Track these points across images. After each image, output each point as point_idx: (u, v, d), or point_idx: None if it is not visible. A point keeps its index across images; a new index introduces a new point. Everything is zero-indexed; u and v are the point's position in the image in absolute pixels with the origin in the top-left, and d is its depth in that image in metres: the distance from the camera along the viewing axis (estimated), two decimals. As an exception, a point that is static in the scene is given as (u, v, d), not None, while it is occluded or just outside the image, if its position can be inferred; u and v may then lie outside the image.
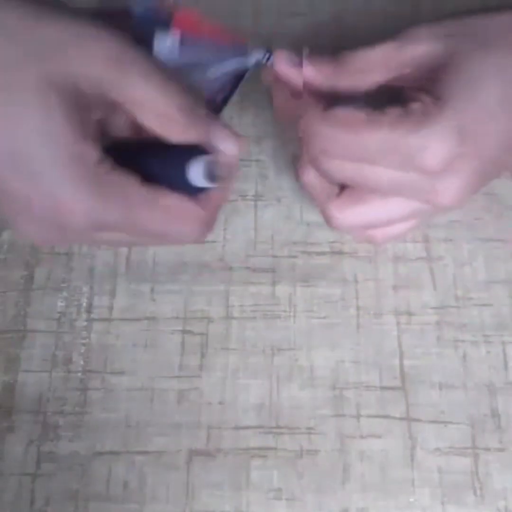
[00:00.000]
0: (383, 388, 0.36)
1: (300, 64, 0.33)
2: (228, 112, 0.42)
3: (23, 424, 0.36)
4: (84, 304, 0.39)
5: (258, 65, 0.32)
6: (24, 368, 0.37)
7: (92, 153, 0.28)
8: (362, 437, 0.36)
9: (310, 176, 0.35)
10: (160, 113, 0.29)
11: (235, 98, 0.42)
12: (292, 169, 0.41)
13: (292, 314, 0.38)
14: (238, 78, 0.32)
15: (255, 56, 0.31)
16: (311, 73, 0.34)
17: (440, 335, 0.37)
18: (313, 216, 0.40)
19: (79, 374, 0.37)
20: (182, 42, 0.31)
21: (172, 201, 0.30)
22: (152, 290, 0.39)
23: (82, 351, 0.38)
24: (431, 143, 0.30)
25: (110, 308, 0.38)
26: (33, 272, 0.39)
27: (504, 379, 0.36)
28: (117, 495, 0.35)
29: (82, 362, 0.37)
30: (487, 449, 0.35)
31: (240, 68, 0.32)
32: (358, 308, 0.38)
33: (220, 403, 0.36)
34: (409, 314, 0.38)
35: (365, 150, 0.31)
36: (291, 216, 0.40)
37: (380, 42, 0.33)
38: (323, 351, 0.37)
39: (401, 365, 0.37)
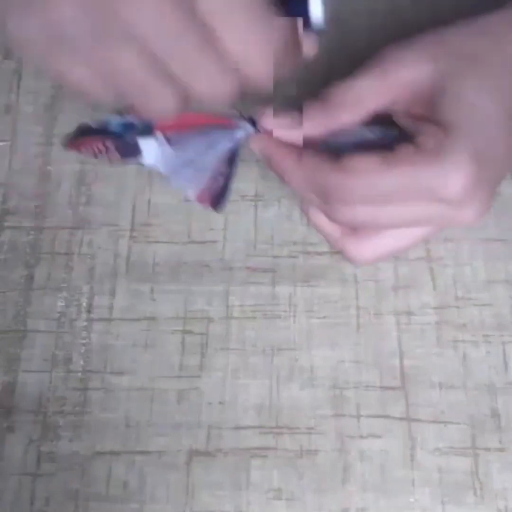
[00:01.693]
0: (383, 388, 0.36)
1: (290, 123, 0.33)
2: (228, 111, 0.42)
3: (23, 424, 0.36)
4: (84, 304, 0.39)
5: (248, 137, 0.32)
6: (24, 368, 0.37)
7: None
8: (362, 437, 0.36)
9: (322, 220, 0.35)
10: None
11: (235, 98, 0.42)
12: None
13: (292, 314, 0.38)
14: (232, 157, 0.32)
15: (243, 130, 0.31)
16: (308, 128, 0.33)
17: (440, 335, 0.37)
18: (313, 216, 0.40)
19: (79, 374, 0.37)
20: (169, 141, 0.31)
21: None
22: (152, 290, 0.39)
23: (82, 351, 0.38)
24: (451, 175, 0.30)
25: (110, 308, 0.38)
26: (33, 272, 0.39)
27: (504, 379, 0.36)
28: (117, 495, 0.35)
29: (82, 362, 0.37)
30: (487, 449, 0.35)
31: (233, 147, 0.32)
32: (358, 308, 0.38)
33: (220, 403, 0.36)
34: (409, 314, 0.38)
35: (385, 193, 0.31)
36: (291, 216, 0.40)
37: (365, 71, 0.33)
38: (323, 351, 0.37)
39: (401, 365, 0.37)
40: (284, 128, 0.33)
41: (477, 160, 0.30)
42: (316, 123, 0.33)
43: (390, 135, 0.33)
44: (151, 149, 0.31)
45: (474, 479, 0.35)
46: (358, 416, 0.36)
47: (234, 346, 0.38)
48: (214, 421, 0.36)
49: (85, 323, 0.38)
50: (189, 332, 0.38)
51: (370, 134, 0.33)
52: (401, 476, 0.35)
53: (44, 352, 0.38)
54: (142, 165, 0.32)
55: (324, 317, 0.38)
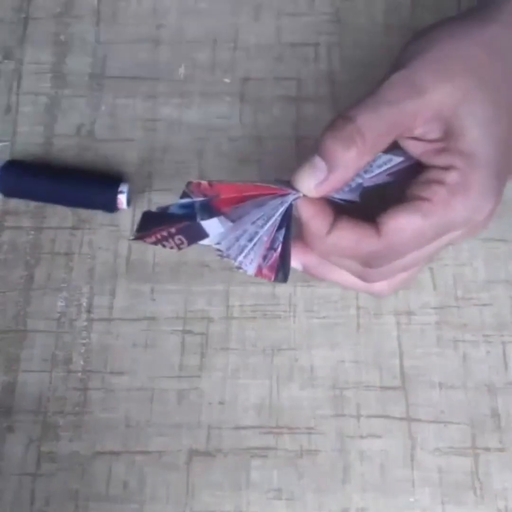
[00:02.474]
0: (383, 388, 0.37)
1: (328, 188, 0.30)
2: (228, 112, 0.42)
3: (23, 424, 0.36)
4: (84, 304, 0.39)
5: (296, 199, 0.30)
6: (24, 368, 0.37)
7: None
8: (362, 437, 0.36)
9: (342, 277, 0.34)
10: None
11: (235, 98, 0.42)
12: (292, 169, 0.41)
13: (292, 314, 0.38)
14: (286, 223, 0.31)
15: (292, 195, 0.30)
16: (341, 175, 0.30)
17: (440, 335, 0.37)
18: (313, 216, 0.40)
19: (79, 374, 0.37)
20: (229, 217, 0.30)
21: None
22: (152, 290, 0.39)
23: (82, 351, 0.38)
24: (484, 204, 0.30)
25: (110, 308, 0.38)
26: (33, 272, 0.39)
27: (504, 379, 0.36)
28: (117, 495, 0.35)
29: (82, 362, 0.37)
30: (487, 449, 0.35)
31: (285, 213, 0.30)
32: (358, 308, 0.38)
33: (220, 403, 0.36)
34: (409, 314, 0.38)
35: (427, 241, 0.31)
36: (291, 216, 0.40)
37: (393, 96, 0.30)
38: (323, 351, 0.37)
39: (401, 365, 0.37)
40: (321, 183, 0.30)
41: (499, 179, 0.30)
42: (350, 169, 0.30)
43: (397, 159, 0.32)
44: (215, 230, 0.30)
45: (474, 479, 0.35)
46: (358, 416, 0.36)
47: (234, 346, 0.38)
48: (214, 421, 0.36)
49: (85, 323, 0.38)
50: (189, 332, 0.38)
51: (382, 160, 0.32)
52: (401, 476, 0.35)
53: (44, 352, 0.38)
54: (209, 246, 0.31)
55: (324, 317, 0.38)
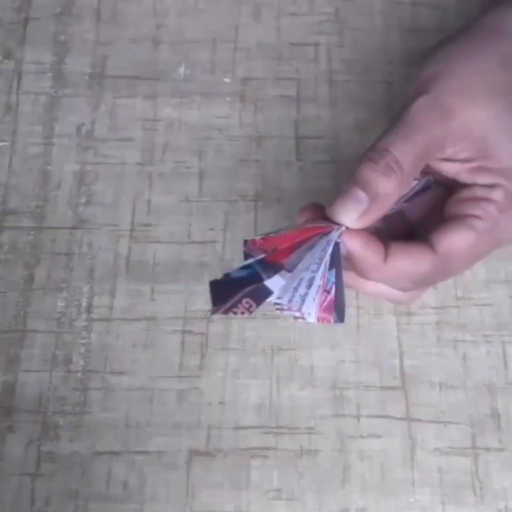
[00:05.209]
0: (383, 388, 0.36)
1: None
2: (228, 111, 0.42)
3: (23, 424, 0.36)
4: (84, 304, 0.39)
5: (340, 235, 0.30)
6: (24, 368, 0.37)
7: None
8: (362, 437, 0.36)
9: (379, 287, 0.34)
10: None
11: (235, 98, 0.42)
12: (292, 169, 0.41)
13: (292, 314, 0.38)
14: (335, 260, 0.30)
15: (337, 230, 0.30)
16: (381, 208, 0.30)
17: (440, 335, 0.37)
18: (313, 216, 0.40)
19: (79, 374, 0.37)
20: (286, 269, 0.30)
21: None
22: (152, 290, 0.39)
23: (82, 351, 0.38)
24: None
25: (110, 308, 0.38)
26: (33, 272, 0.39)
27: (504, 379, 0.36)
28: (117, 495, 0.35)
29: (82, 362, 0.37)
30: (487, 449, 0.35)
31: (333, 250, 0.30)
32: (358, 308, 0.38)
33: (220, 403, 0.36)
34: (409, 314, 0.38)
35: (478, 257, 0.32)
36: (291, 216, 0.40)
37: (421, 122, 0.30)
38: (323, 351, 0.37)
39: (401, 365, 0.37)
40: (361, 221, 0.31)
41: None
42: (391, 198, 0.30)
43: (426, 177, 0.33)
44: (278, 285, 0.30)
45: (474, 479, 0.35)
46: (358, 416, 0.36)
47: (234, 346, 0.38)
48: (214, 421, 0.36)
49: (85, 323, 0.38)
50: (189, 332, 0.38)
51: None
52: (401, 476, 0.35)
53: (44, 352, 0.38)
54: (277, 305, 0.31)
55: (324, 317, 0.38)
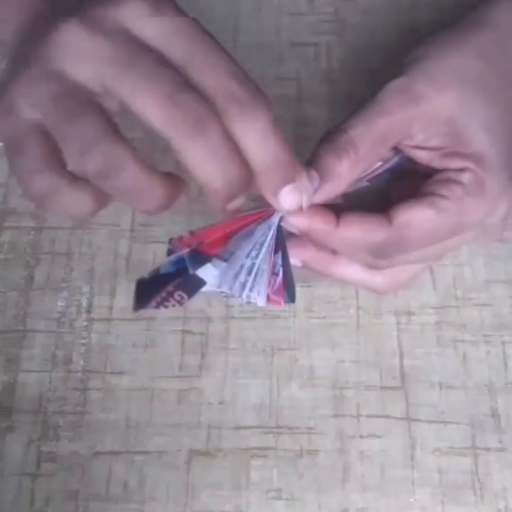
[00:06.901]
0: (383, 388, 0.36)
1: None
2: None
3: (23, 424, 0.36)
4: (84, 304, 0.39)
5: (282, 219, 0.30)
6: (24, 368, 0.37)
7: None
8: (362, 437, 0.36)
9: (345, 269, 0.34)
10: None
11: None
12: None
13: (292, 314, 0.38)
14: (280, 243, 0.30)
15: (279, 212, 0.30)
16: (336, 186, 0.31)
17: (440, 335, 0.37)
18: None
19: (79, 374, 0.37)
20: (221, 258, 0.30)
21: None
22: (152, 290, 0.39)
23: (82, 351, 0.38)
24: (499, 202, 0.32)
25: (110, 308, 0.38)
26: (33, 272, 0.39)
27: (504, 379, 0.36)
28: (117, 495, 0.35)
29: (82, 362, 0.37)
30: (487, 449, 0.35)
31: (277, 234, 0.30)
32: (358, 308, 0.38)
33: (220, 403, 0.36)
34: (409, 314, 0.38)
35: (442, 236, 0.32)
36: (291, 216, 0.40)
37: (379, 107, 0.31)
38: (323, 351, 0.37)
39: (401, 365, 0.37)
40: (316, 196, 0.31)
41: (510, 174, 0.31)
42: (343, 178, 0.30)
43: (395, 158, 0.33)
44: (210, 275, 0.30)
45: (474, 479, 0.35)
46: (358, 416, 0.36)
47: (234, 346, 0.38)
48: (214, 421, 0.36)
49: (85, 323, 0.38)
50: (189, 332, 0.38)
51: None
52: (401, 476, 0.35)
53: (44, 352, 0.38)
54: (213, 292, 0.31)
55: (324, 317, 0.38)
